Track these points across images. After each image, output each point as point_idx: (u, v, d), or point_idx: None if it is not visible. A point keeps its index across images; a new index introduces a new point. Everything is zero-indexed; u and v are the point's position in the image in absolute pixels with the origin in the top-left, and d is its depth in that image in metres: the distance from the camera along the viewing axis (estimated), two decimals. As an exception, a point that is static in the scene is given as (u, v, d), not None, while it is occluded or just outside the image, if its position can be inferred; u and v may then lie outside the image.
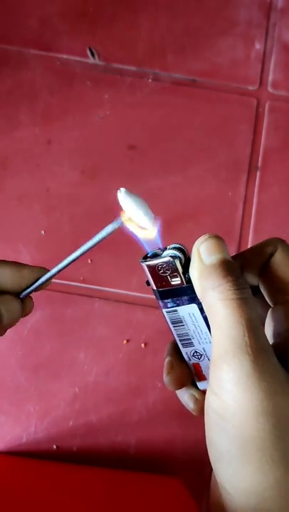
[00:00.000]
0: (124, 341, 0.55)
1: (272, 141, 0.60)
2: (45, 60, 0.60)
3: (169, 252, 0.25)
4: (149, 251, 0.26)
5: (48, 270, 0.27)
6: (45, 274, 0.27)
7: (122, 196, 0.24)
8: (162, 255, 0.25)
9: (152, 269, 0.26)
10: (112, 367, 0.55)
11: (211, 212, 0.58)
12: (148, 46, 0.61)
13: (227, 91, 0.60)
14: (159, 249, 0.26)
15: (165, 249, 0.26)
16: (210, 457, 0.23)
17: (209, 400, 0.22)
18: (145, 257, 0.26)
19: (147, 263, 0.25)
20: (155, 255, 0.26)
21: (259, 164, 0.59)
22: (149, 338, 0.55)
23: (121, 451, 0.54)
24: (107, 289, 0.56)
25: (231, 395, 0.21)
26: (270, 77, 0.61)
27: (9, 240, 0.57)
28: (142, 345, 0.55)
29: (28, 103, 0.59)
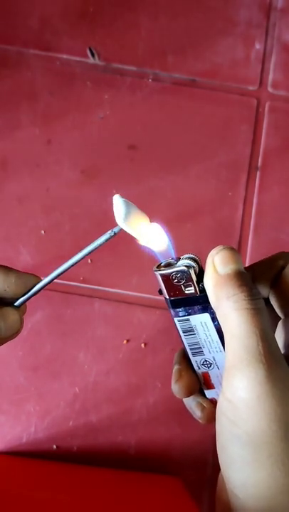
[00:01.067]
0: (124, 341, 0.55)
1: (272, 141, 0.60)
2: (45, 60, 0.60)
3: (184, 261, 0.26)
4: (161, 260, 0.27)
5: (37, 276, 0.27)
6: (33, 280, 0.27)
7: (117, 203, 0.24)
8: (177, 264, 0.26)
9: (166, 278, 0.26)
10: (112, 367, 0.55)
11: (211, 212, 0.58)
12: (148, 46, 0.61)
13: (227, 91, 0.60)
14: (172, 258, 0.27)
15: (178, 259, 0.26)
16: (220, 462, 0.24)
17: (222, 407, 0.23)
18: (158, 267, 0.26)
19: (161, 272, 0.26)
20: (168, 264, 0.26)
21: (259, 164, 0.59)
22: (149, 338, 0.55)
23: (121, 451, 0.54)
24: (107, 289, 0.56)
25: (244, 402, 0.21)
26: (270, 77, 0.61)
27: (9, 240, 0.57)
28: (142, 345, 0.55)
29: (28, 103, 0.59)
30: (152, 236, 0.26)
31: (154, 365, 0.55)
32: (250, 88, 0.61)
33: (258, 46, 0.61)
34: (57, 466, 0.54)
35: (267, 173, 0.59)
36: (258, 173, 0.59)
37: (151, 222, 0.26)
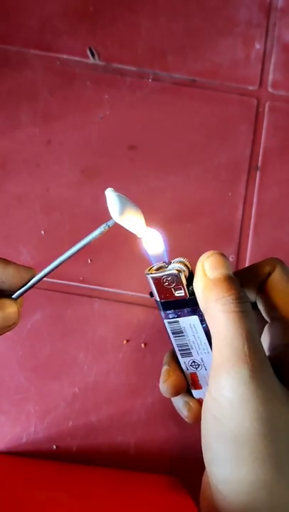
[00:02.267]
0: (124, 341, 0.56)
1: (272, 141, 0.60)
2: (45, 60, 0.60)
3: (175, 265, 0.27)
4: (153, 264, 0.28)
5: (35, 270, 0.28)
6: (31, 274, 0.28)
7: (109, 197, 0.25)
8: (168, 268, 0.27)
9: (157, 281, 0.27)
10: (112, 367, 0.55)
11: (211, 212, 0.58)
12: (148, 46, 0.61)
13: (227, 91, 0.60)
14: (164, 262, 0.27)
15: (170, 263, 0.27)
16: (205, 459, 0.25)
17: (208, 405, 0.24)
18: (150, 270, 0.27)
19: (153, 275, 0.27)
20: (160, 268, 0.27)
21: (259, 164, 0.59)
22: (149, 338, 0.56)
23: (120, 451, 0.54)
24: (107, 289, 0.56)
25: (229, 401, 0.22)
26: (270, 77, 0.61)
27: (9, 240, 0.57)
28: (142, 345, 0.55)
29: (28, 103, 0.59)
30: (148, 240, 0.26)
31: (154, 365, 0.55)
32: (250, 88, 0.61)
33: (258, 46, 0.61)
34: (57, 466, 0.54)
35: (267, 173, 0.59)
36: (258, 173, 0.59)
37: (148, 227, 0.27)
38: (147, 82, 0.60)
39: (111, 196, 0.25)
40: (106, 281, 0.56)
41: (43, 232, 0.57)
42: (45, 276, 0.27)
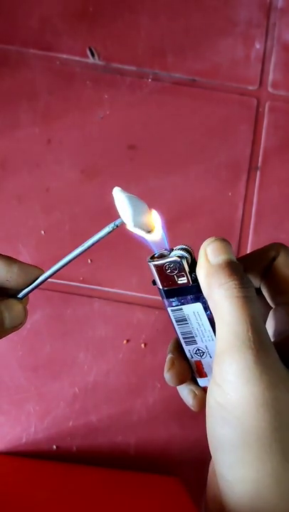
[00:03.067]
0: (124, 341, 0.55)
1: (272, 141, 0.60)
2: (45, 60, 0.60)
3: (177, 252, 0.26)
4: (155, 251, 0.27)
5: (40, 269, 0.27)
6: (35, 272, 0.27)
7: (117, 196, 0.24)
8: (170, 255, 0.26)
9: (160, 269, 0.26)
10: (112, 367, 0.55)
11: (211, 212, 0.58)
12: (148, 46, 0.61)
13: (227, 91, 0.60)
14: (166, 249, 0.27)
15: (171, 250, 0.27)
16: (210, 447, 0.24)
17: (212, 391, 0.23)
18: (152, 258, 0.27)
19: (155, 263, 0.26)
20: (162, 256, 0.27)
21: (259, 164, 0.59)
22: (149, 338, 0.55)
23: (121, 451, 0.54)
24: (107, 289, 0.56)
25: (234, 387, 0.22)
26: (270, 77, 0.61)
27: (9, 240, 0.57)
28: (142, 345, 0.55)
29: (28, 102, 0.59)
30: (140, 227, 0.26)
31: (154, 365, 0.55)
32: (250, 88, 0.61)
33: (258, 46, 0.61)
34: (57, 466, 0.53)
35: (267, 173, 0.59)
36: (258, 173, 0.59)
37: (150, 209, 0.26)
38: (147, 82, 0.60)
39: (121, 198, 0.24)
40: (106, 281, 0.56)
41: (43, 232, 0.57)
42: (51, 276, 0.27)
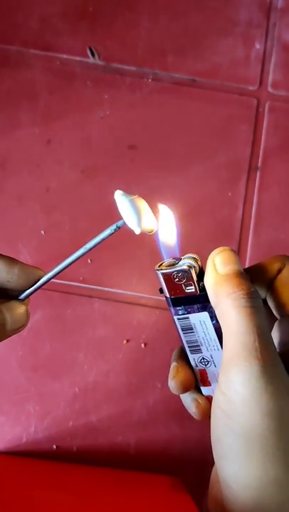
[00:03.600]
0: (124, 341, 0.55)
1: (272, 141, 0.60)
2: (45, 60, 0.60)
3: (186, 261, 0.27)
4: (165, 259, 0.28)
5: (42, 270, 0.27)
6: (37, 274, 0.27)
7: (120, 201, 0.24)
8: (179, 264, 0.27)
9: (168, 278, 0.27)
10: (112, 367, 0.55)
11: (211, 212, 0.58)
12: (148, 46, 0.61)
13: (227, 91, 0.60)
14: (174, 258, 0.27)
15: (179, 259, 0.27)
16: (214, 454, 0.24)
17: (218, 400, 0.24)
18: (160, 266, 0.27)
19: (163, 271, 0.27)
20: (170, 264, 0.27)
21: (259, 164, 0.59)
22: (149, 338, 0.55)
23: (121, 451, 0.54)
24: (107, 289, 0.56)
25: (239, 396, 0.22)
26: (270, 77, 0.61)
27: (9, 240, 0.57)
28: (142, 345, 0.55)
29: (28, 103, 0.59)
30: (164, 233, 0.26)
31: (154, 366, 0.55)
32: (250, 88, 0.61)
33: (258, 46, 0.61)
34: (57, 466, 0.53)
35: (267, 173, 0.59)
36: (258, 173, 0.59)
37: (163, 207, 0.26)
38: (147, 82, 0.60)
39: (125, 204, 0.24)
40: (106, 281, 0.56)
41: (43, 232, 0.57)
42: (53, 277, 0.27)
